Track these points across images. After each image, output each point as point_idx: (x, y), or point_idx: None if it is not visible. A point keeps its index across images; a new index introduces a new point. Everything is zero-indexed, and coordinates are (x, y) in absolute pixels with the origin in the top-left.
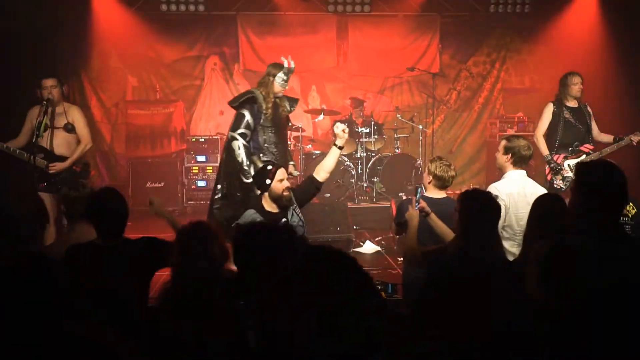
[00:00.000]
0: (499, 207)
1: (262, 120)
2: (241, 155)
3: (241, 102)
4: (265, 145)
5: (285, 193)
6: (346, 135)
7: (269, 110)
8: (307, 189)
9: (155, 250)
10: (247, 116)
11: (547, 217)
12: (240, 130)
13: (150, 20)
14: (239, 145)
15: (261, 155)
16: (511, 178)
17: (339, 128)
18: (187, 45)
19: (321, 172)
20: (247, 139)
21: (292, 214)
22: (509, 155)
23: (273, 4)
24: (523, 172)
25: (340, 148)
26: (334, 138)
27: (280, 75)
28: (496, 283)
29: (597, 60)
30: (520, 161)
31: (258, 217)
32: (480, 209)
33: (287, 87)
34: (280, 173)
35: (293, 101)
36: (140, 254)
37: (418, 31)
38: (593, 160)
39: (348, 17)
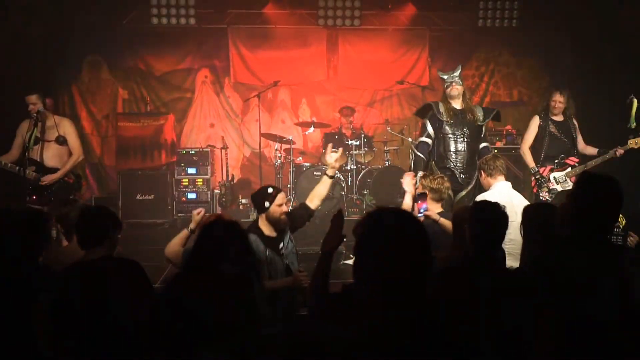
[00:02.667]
0: (507, 217)
1: (443, 129)
2: (412, 164)
3: (421, 112)
4: (445, 153)
5: (282, 217)
6: (337, 164)
7: (450, 118)
8: (299, 216)
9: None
10: (428, 126)
11: (543, 224)
12: (421, 139)
13: (141, 33)
14: (414, 154)
15: (440, 163)
16: (498, 189)
17: (332, 158)
18: (178, 58)
19: (314, 200)
20: (429, 148)
21: (288, 241)
22: (482, 172)
23: (264, 17)
24: (508, 184)
25: (332, 177)
26: (325, 166)
27: (445, 78)
28: (504, 289)
29: (583, 74)
30: (492, 171)
31: (261, 244)
32: (492, 218)
33: (459, 85)
34: (280, 197)
35: (489, 112)
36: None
37: (407, 45)
38: (590, 176)
39: (338, 30)
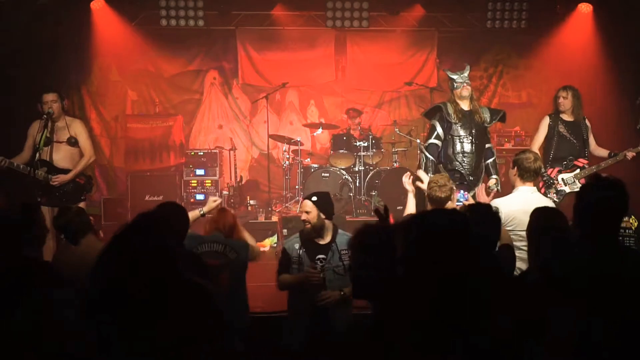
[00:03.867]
0: (498, 219)
1: (452, 130)
2: (422, 166)
3: (430, 113)
4: (454, 155)
5: (306, 225)
6: None
7: (459, 120)
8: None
9: None
10: (437, 127)
11: (548, 228)
12: (430, 141)
13: (150, 35)
14: (424, 157)
15: (449, 165)
16: (517, 194)
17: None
18: (186, 59)
19: None
20: (439, 149)
21: (336, 259)
22: (515, 169)
23: (272, 19)
24: (532, 189)
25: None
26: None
27: (455, 78)
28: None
29: (593, 75)
30: (526, 174)
31: (296, 243)
32: (480, 220)
33: (469, 84)
34: (302, 205)
35: (495, 113)
36: None
37: (416, 46)
38: (597, 179)
39: (346, 32)
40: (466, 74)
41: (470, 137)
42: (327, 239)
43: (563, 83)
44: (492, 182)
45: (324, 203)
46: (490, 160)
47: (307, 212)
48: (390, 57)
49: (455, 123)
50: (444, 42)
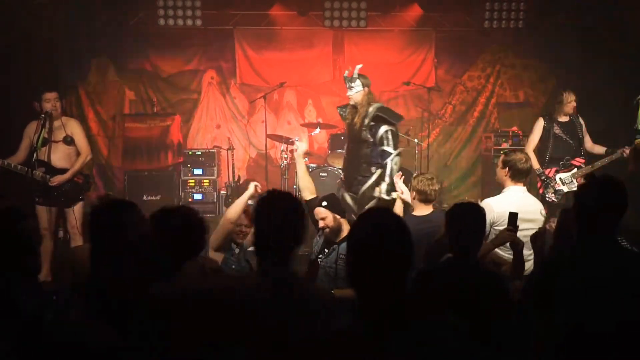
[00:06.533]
0: (482, 217)
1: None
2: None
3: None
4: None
5: (326, 231)
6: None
7: (348, 121)
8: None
9: None
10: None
11: (565, 228)
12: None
13: (148, 34)
14: None
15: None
16: (509, 194)
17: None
18: (184, 59)
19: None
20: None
21: (334, 256)
22: (507, 169)
23: (270, 19)
24: (522, 188)
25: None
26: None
27: (346, 84)
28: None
29: (589, 75)
30: (517, 175)
31: (320, 238)
32: (466, 219)
33: (352, 93)
34: (316, 213)
35: (378, 118)
36: None
37: (413, 46)
38: (595, 179)
39: (344, 32)
40: (355, 76)
41: (347, 141)
42: (339, 239)
43: (560, 83)
44: (376, 190)
45: (334, 204)
46: (382, 163)
47: (323, 219)
48: (388, 56)
49: (348, 124)
50: (441, 42)
